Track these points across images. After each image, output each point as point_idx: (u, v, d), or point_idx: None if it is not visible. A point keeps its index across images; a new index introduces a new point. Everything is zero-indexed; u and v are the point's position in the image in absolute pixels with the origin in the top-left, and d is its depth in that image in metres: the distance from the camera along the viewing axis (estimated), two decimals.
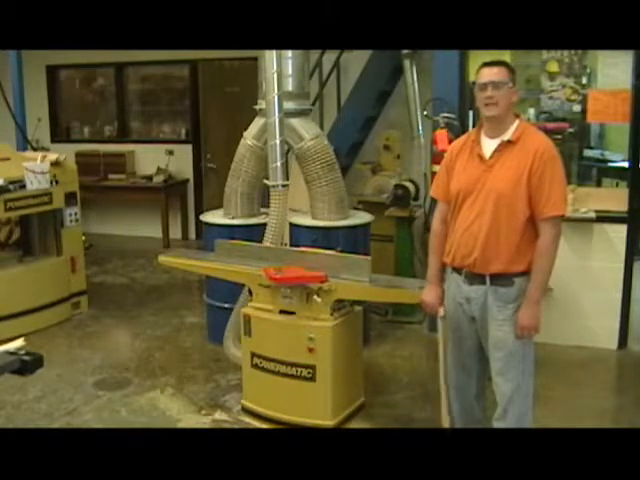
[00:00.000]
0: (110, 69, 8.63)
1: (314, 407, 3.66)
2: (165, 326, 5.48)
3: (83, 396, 4.22)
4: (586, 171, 6.29)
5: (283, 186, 4.12)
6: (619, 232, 4.76)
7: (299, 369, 3.63)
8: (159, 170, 8.19)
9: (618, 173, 6.07)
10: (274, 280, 3.60)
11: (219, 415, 3.98)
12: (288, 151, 4.71)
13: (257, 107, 4.77)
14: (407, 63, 6.37)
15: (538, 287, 2.83)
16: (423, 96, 6.09)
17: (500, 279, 2.86)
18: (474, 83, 2.99)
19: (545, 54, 5.28)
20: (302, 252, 3.97)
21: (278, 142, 4.07)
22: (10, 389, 4.21)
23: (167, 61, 8.04)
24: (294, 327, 3.64)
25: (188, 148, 8.37)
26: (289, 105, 4.44)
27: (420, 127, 6.41)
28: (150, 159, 8.34)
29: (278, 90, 4.05)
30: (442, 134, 4.72)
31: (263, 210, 4.85)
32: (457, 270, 2.99)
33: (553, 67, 5.29)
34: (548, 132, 3.37)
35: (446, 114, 4.78)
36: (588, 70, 5.32)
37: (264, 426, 3.77)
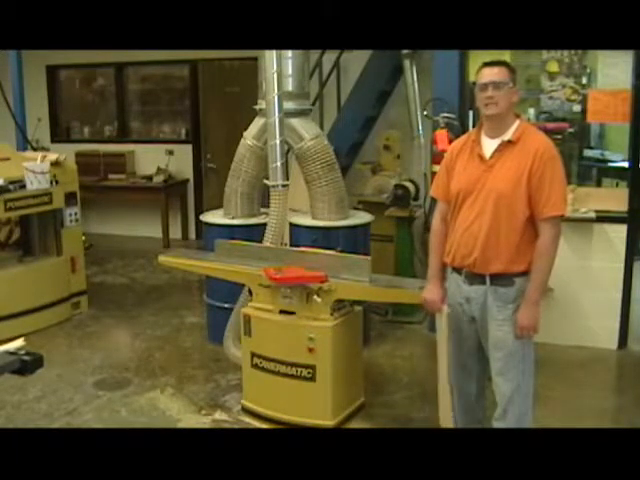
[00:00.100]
0: (110, 69, 8.63)
1: (314, 407, 3.66)
2: (165, 326, 5.48)
3: (83, 396, 4.22)
4: (586, 171, 6.29)
5: (283, 186, 4.12)
6: (619, 232, 4.76)
7: (299, 369, 3.63)
8: (159, 170, 8.19)
9: (618, 173, 6.07)
10: (274, 280, 3.60)
11: (219, 415, 3.98)
12: (288, 151, 4.71)
13: (257, 107, 4.77)
14: (407, 63, 6.37)
15: (537, 287, 2.83)
16: (423, 96, 6.09)
17: (500, 279, 2.86)
18: (474, 83, 2.99)
19: (545, 54, 5.29)
20: (302, 252, 3.97)
21: (278, 142, 4.07)
22: (10, 389, 4.21)
23: (167, 61, 8.05)
24: (294, 327, 3.64)
25: (188, 148, 8.37)
26: (289, 105, 4.44)
27: (420, 127, 6.41)
28: (150, 159, 8.34)
29: (278, 90, 4.05)
30: (442, 134, 4.72)
31: (263, 210, 4.85)
32: (457, 270, 2.99)
33: (553, 67, 5.29)
34: (548, 132, 3.37)
35: (446, 114, 4.78)
36: (588, 70, 5.32)
37: (264, 426, 3.78)
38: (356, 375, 3.87)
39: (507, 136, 2.87)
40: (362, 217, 4.90)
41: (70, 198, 5.58)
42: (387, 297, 3.96)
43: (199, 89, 8.23)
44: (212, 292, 5.02)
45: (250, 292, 3.87)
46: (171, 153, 8.20)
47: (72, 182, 5.62)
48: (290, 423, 3.69)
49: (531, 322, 2.82)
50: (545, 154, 2.80)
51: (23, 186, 5.13)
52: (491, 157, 2.88)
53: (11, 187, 5.05)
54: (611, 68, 4.96)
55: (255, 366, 3.79)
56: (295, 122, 4.60)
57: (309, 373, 3.61)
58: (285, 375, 3.68)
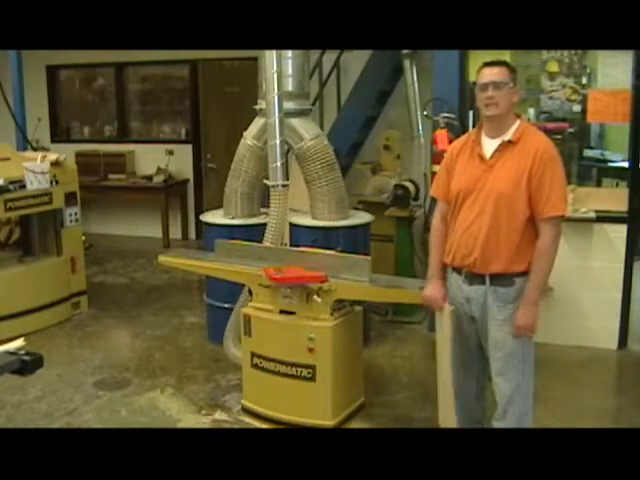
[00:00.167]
0: (110, 69, 8.63)
1: (314, 407, 3.66)
2: (165, 326, 5.48)
3: (83, 396, 4.22)
4: (586, 171, 6.29)
5: (283, 186, 4.12)
6: (619, 232, 4.76)
7: (299, 369, 3.63)
8: (159, 170, 8.18)
9: (618, 173, 6.07)
10: (274, 280, 3.60)
11: (219, 415, 3.98)
12: (288, 151, 4.71)
13: (257, 107, 4.77)
14: (407, 63, 6.37)
15: (536, 287, 2.83)
16: (423, 96, 6.09)
17: (500, 279, 2.86)
18: (474, 83, 2.99)
19: (545, 54, 5.29)
20: (302, 252, 3.97)
21: (278, 142, 4.07)
22: (10, 389, 4.21)
23: (167, 61, 8.04)
24: (294, 327, 3.64)
25: (188, 148, 8.37)
26: (289, 105, 4.44)
27: (420, 127, 6.41)
28: (150, 159, 8.34)
29: (278, 90, 4.05)
30: (442, 134, 4.72)
31: (263, 210, 4.85)
32: (457, 270, 2.99)
33: (553, 67, 5.29)
34: (548, 132, 3.37)
35: (446, 114, 4.78)
36: (588, 70, 5.32)
37: (264, 426, 3.77)
38: (356, 375, 3.87)
39: (507, 136, 2.87)
40: (362, 217, 4.90)
41: (70, 198, 5.58)
42: (387, 297, 3.96)
43: (199, 89, 8.23)
44: (212, 292, 5.02)
45: (250, 292, 3.87)
46: (171, 153, 8.20)
47: (72, 182, 5.62)
48: (290, 423, 3.69)
49: (528, 322, 2.82)
50: (545, 154, 2.80)
51: (23, 186, 5.13)
52: (491, 157, 2.88)
53: (11, 187, 5.04)
54: (611, 68, 4.96)
55: (255, 366, 3.79)
56: (295, 122, 4.60)
57: (309, 373, 3.61)
58: (285, 375, 3.68)
